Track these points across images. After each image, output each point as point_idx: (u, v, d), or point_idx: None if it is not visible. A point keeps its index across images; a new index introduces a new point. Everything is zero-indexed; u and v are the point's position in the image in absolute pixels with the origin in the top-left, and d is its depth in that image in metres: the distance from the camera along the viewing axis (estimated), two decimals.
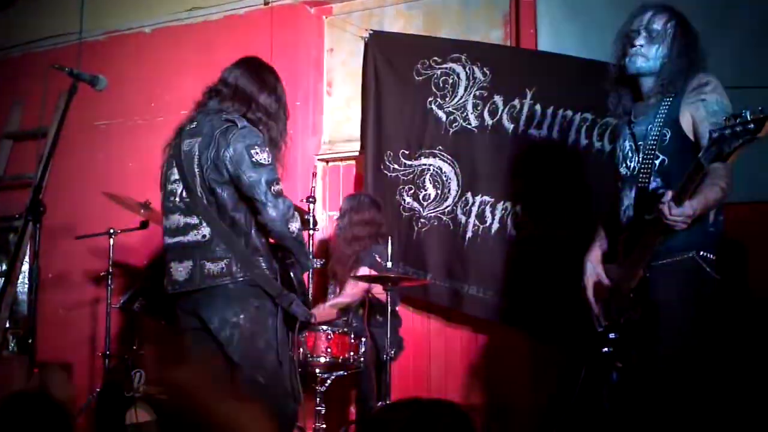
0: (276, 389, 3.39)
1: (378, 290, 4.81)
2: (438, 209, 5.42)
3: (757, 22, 4.85)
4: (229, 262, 3.35)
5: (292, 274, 3.50)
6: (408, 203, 5.48)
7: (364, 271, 4.77)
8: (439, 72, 5.48)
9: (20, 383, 2.87)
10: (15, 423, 1.98)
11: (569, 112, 5.10)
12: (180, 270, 3.42)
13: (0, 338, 6.12)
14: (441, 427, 1.80)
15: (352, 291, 4.89)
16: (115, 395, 4.78)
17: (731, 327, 4.03)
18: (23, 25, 6.99)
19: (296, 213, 3.45)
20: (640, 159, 3.25)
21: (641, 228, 3.17)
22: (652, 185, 3.20)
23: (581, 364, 3.45)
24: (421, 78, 5.52)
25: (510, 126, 5.27)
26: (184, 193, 3.44)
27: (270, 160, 3.39)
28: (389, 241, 4.56)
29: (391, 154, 5.54)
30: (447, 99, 5.45)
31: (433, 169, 5.44)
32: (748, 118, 2.68)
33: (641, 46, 3.30)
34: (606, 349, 3.32)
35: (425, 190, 5.45)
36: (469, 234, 5.31)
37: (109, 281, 5.43)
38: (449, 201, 5.39)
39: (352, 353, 4.55)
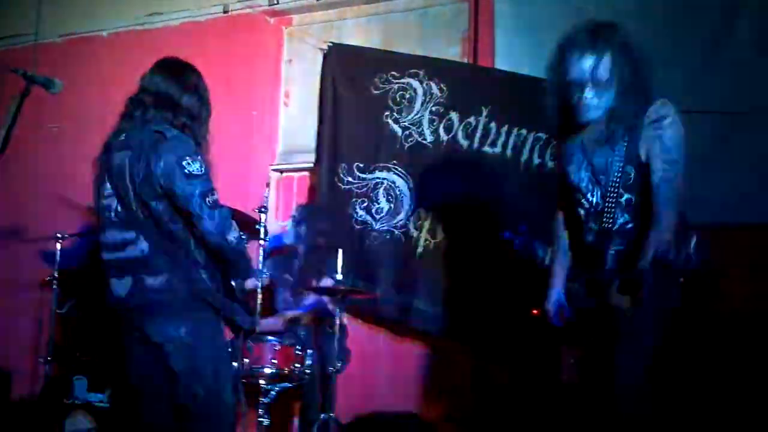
0: (216, 401, 3.35)
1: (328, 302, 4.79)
2: (390, 223, 5.41)
3: (707, 46, 4.93)
4: (169, 276, 3.29)
5: (234, 284, 3.45)
6: (361, 216, 5.47)
7: (327, 282, 4.76)
8: (396, 86, 5.50)
9: None
10: None
11: (523, 131, 5.14)
12: (120, 286, 3.37)
13: None
14: None
15: (311, 302, 4.89)
16: (55, 402, 4.70)
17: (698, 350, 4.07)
18: None
19: (234, 221, 3.37)
20: (603, 195, 3.16)
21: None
22: (619, 221, 3.15)
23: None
24: (378, 92, 5.52)
25: (465, 143, 5.30)
26: (119, 208, 3.36)
27: (203, 169, 3.30)
28: (339, 253, 4.54)
29: (346, 166, 5.53)
30: (403, 114, 5.46)
31: (387, 183, 5.44)
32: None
33: (591, 98, 3.14)
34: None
35: (378, 204, 5.45)
36: (420, 249, 5.31)
37: (54, 286, 5.34)
38: (402, 215, 5.40)
39: (297, 365, 4.51)
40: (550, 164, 5.05)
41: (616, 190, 3.11)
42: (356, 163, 5.52)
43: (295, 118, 6.05)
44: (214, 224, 3.27)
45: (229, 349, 4.32)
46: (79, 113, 6.40)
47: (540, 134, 5.08)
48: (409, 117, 5.45)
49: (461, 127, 5.31)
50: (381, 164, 5.47)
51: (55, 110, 6.16)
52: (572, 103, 3.17)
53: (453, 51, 5.67)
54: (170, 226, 3.32)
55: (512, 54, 5.40)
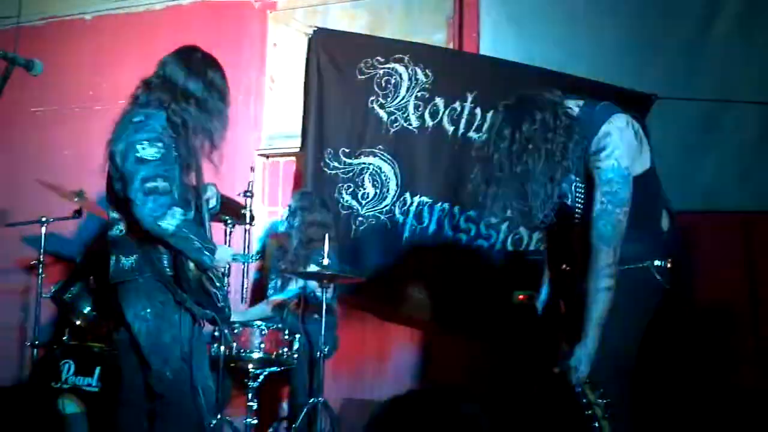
0: (182, 384, 3.40)
1: (316, 287, 4.81)
2: (376, 208, 5.44)
3: (692, 33, 4.99)
4: (138, 257, 3.40)
5: (188, 272, 3.45)
6: (347, 201, 5.49)
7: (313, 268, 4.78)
8: (381, 72, 5.51)
9: None
10: None
11: None
12: (110, 264, 3.48)
13: None
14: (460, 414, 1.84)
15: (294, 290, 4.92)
16: (43, 387, 4.70)
17: (674, 336, 4.12)
18: None
19: (175, 210, 3.31)
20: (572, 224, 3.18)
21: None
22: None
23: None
24: (363, 77, 5.53)
25: (450, 128, 5.33)
26: (108, 188, 3.49)
27: (158, 155, 3.33)
28: (326, 239, 4.57)
29: (332, 151, 5.54)
30: (389, 99, 5.47)
31: (373, 168, 5.47)
32: None
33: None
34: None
35: (364, 189, 5.47)
36: (406, 234, 5.35)
37: (40, 270, 5.33)
38: (388, 200, 5.43)
39: (285, 349, 4.55)
40: None
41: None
42: (342, 148, 5.53)
43: (281, 103, 6.05)
44: (145, 210, 3.27)
45: (213, 333, 4.40)
46: (61, 96, 6.37)
47: None
48: (395, 102, 5.47)
49: (446, 113, 5.35)
50: (367, 149, 5.49)
51: (37, 94, 6.13)
52: None
53: (438, 36, 5.69)
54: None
55: (497, 39, 5.45)
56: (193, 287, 3.43)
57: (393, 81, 5.47)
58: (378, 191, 5.45)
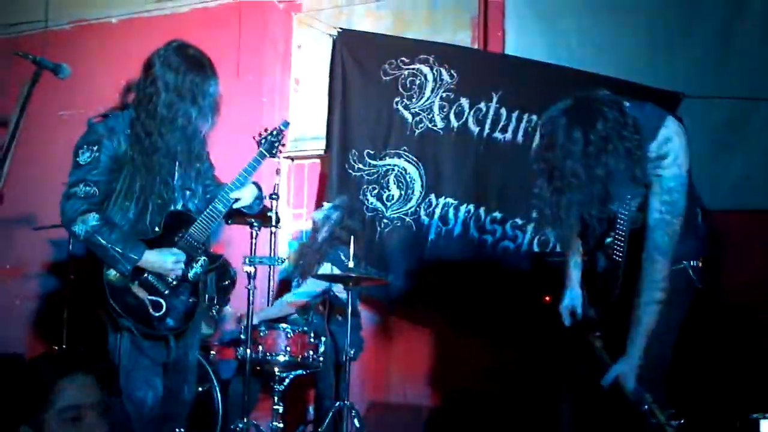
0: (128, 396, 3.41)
1: (338, 290, 4.80)
2: (401, 210, 5.42)
3: (718, 31, 4.93)
4: None
5: (106, 277, 3.39)
6: (371, 203, 5.48)
7: (325, 267, 4.76)
8: (406, 72, 5.49)
9: None
10: None
11: (534, 117, 5.14)
12: None
13: None
14: None
15: (309, 290, 4.90)
16: None
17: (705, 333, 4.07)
18: None
19: (89, 216, 3.32)
20: (611, 234, 3.09)
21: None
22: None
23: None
24: (388, 78, 5.52)
25: (475, 129, 5.30)
26: None
27: (89, 159, 3.37)
28: (351, 240, 4.55)
29: (356, 153, 5.53)
30: (413, 100, 5.45)
31: (398, 170, 5.45)
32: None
33: None
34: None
35: (389, 191, 5.46)
36: (431, 236, 5.33)
37: (68, 273, 5.36)
38: (413, 202, 5.41)
39: (311, 352, 4.53)
40: None
41: (624, 231, 3.05)
42: (367, 150, 5.52)
43: (306, 105, 6.05)
44: (62, 213, 3.36)
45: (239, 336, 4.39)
46: (88, 100, 6.39)
47: None
48: (420, 103, 5.44)
49: (472, 113, 5.32)
50: (392, 151, 5.48)
51: (64, 97, 6.16)
52: None
53: (462, 36, 5.66)
54: None
55: (523, 39, 5.41)
56: (116, 294, 3.37)
57: (418, 82, 5.45)
58: (403, 193, 5.43)
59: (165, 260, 3.42)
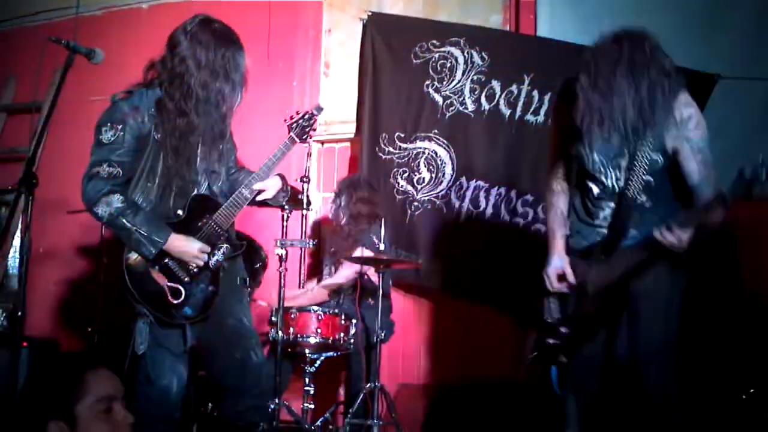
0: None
1: (370, 272, 4.80)
2: (432, 193, 5.41)
3: (756, 10, 4.84)
4: None
5: (126, 261, 3.37)
6: (402, 186, 5.47)
7: (361, 251, 4.76)
8: (437, 55, 5.46)
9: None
10: None
11: None
12: None
13: None
14: None
15: (346, 272, 4.89)
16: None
17: (705, 319, 4.08)
18: None
19: (113, 197, 3.27)
20: (627, 177, 3.28)
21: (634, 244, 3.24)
22: (639, 200, 3.28)
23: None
24: (418, 61, 5.49)
25: (507, 111, 5.27)
26: None
27: (113, 138, 3.31)
28: (382, 223, 4.55)
29: (387, 136, 5.52)
30: (444, 83, 5.42)
31: (428, 153, 5.43)
32: None
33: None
34: (552, 341, 3.39)
35: (419, 174, 5.44)
36: (462, 219, 5.31)
37: (101, 257, 5.41)
38: (443, 185, 5.39)
39: (342, 334, 4.54)
40: None
41: (643, 172, 3.24)
42: (397, 133, 5.50)
43: (336, 89, 6.04)
44: (83, 196, 3.30)
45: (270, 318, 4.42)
46: (119, 86, 6.39)
47: None
48: (450, 86, 5.42)
49: (503, 96, 5.28)
50: (422, 134, 5.46)
51: (96, 83, 6.16)
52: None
53: (494, 19, 5.63)
54: None
55: (554, 21, 5.36)
56: (134, 279, 3.33)
57: (448, 64, 5.42)
58: (434, 176, 5.41)
59: (191, 246, 3.37)
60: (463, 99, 5.37)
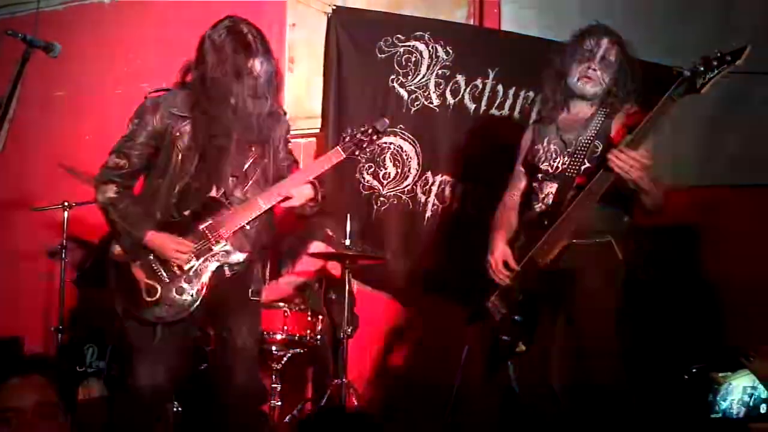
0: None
1: (334, 267, 4.79)
2: (398, 188, 5.40)
3: (718, 5, 4.90)
4: None
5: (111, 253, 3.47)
6: (368, 182, 5.45)
7: (318, 246, 4.74)
8: (402, 50, 5.44)
9: None
10: None
11: (531, 93, 5.11)
12: None
13: None
14: None
15: (307, 268, 4.89)
16: (68, 371, 4.72)
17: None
18: None
19: (108, 187, 3.38)
20: (568, 160, 3.45)
21: (568, 201, 3.37)
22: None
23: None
24: (383, 55, 5.47)
25: (472, 106, 5.27)
26: None
27: (128, 132, 3.43)
28: (348, 219, 4.53)
29: (352, 131, 5.49)
30: (409, 77, 5.41)
31: (394, 148, 5.42)
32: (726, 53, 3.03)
33: (595, 70, 3.48)
34: (505, 337, 3.49)
35: (385, 169, 5.43)
36: (428, 213, 5.31)
37: (63, 255, 5.35)
38: (409, 180, 5.38)
39: (308, 331, 4.54)
40: None
41: (582, 158, 3.40)
42: (362, 128, 5.47)
43: (301, 84, 6.00)
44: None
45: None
46: (81, 81, 6.37)
47: None
48: (416, 80, 5.40)
49: (468, 90, 5.29)
50: (388, 129, 5.43)
51: (57, 78, 6.13)
52: (576, 74, 3.50)
53: (459, 13, 5.63)
54: None
55: (518, 16, 5.38)
56: (115, 271, 3.40)
57: (413, 59, 5.41)
58: (399, 171, 5.40)
59: (166, 245, 3.32)
60: (429, 93, 5.36)
